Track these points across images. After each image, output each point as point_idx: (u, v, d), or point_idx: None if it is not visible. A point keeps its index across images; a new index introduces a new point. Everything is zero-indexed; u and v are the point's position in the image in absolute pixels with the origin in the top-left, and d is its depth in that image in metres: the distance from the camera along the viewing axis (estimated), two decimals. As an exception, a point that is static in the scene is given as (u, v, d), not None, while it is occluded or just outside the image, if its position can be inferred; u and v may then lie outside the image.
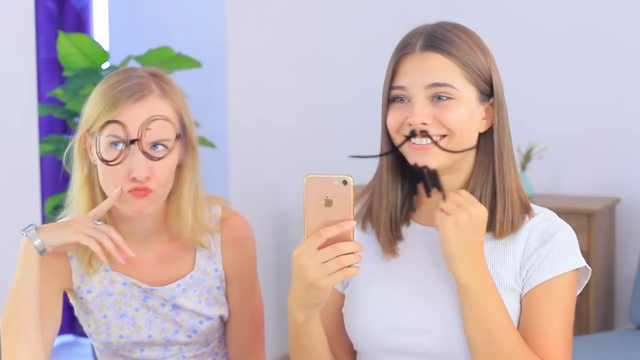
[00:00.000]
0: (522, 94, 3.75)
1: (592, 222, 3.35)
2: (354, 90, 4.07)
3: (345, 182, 1.28)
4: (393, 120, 1.44)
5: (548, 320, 1.41)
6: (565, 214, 1.55)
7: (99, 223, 1.62)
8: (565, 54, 3.71)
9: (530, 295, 1.43)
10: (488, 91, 1.45)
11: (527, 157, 3.63)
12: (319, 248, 1.29)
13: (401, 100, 1.44)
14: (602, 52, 3.65)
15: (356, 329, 1.49)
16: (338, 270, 1.29)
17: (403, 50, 1.44)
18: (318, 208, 1.29)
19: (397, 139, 1.44)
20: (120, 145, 1.59)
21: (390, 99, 1.45)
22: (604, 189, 3.70)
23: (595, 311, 3.37)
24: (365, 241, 1.50)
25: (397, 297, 1.47)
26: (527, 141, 3.70)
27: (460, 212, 1.36)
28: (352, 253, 1.29)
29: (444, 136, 1.41)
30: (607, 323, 3.58)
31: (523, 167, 3.65)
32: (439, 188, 1.40)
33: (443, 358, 1.43)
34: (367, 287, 1.50)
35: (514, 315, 1.43)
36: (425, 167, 1.40)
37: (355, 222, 1.30)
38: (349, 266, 1.29)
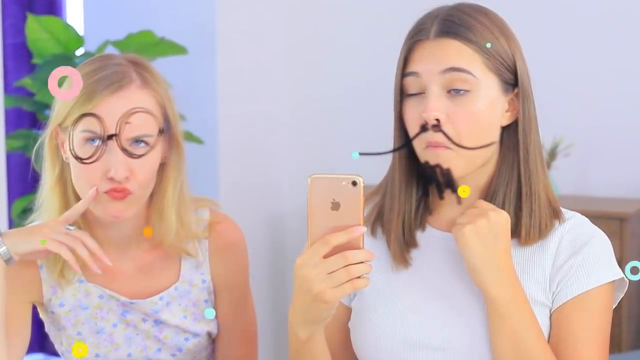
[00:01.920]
0: (546, 84, 3.74)
1: (624, 227, 3.35)
2: (359, 80, 4.07)
3: (354, 183, 1.28)
4: (410, 118, 1.44)
5: (581, 338, 1.41)
6: (594, 218, 1.54)
7: (71, 228, 1.62)
8: (595, 39, 3.70)
9: (561, 311, 1.43)
10: (512, 80, 1.46)
11: (551, 155, 3.63)
12: (325, 256, 1.28)
13: (415, 94, 1.44)
14: (637, 37, 3.64)
15: (366, 346, 1.49)
16: (346, 282, 1.28)
17: (416, 37, 1.45)
18: (324, 212, 1.29)
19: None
20: (96, 141, 1.59)
21: (404, 91, 1.45)
22: (637, 190, 3.69)
23: (628, 327, 3.36)
24: (375, 248, 1.51)
25: (414, 310, 1.47)
26: (552, 137, 3.69)
27: (478, 218, 1.37)
28: (362, 262, 1.29)
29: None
30: (641, 340, 3.57)
31: (547, 166, 3.64)
32: (453, 189, 1.40)
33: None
34: (378, 299, 1.50)
35: (543, 332, 1.43)
36: (437, 165, 1.41)
37: (365, 228, 1.30)
38: (359, 277, 1.29)
